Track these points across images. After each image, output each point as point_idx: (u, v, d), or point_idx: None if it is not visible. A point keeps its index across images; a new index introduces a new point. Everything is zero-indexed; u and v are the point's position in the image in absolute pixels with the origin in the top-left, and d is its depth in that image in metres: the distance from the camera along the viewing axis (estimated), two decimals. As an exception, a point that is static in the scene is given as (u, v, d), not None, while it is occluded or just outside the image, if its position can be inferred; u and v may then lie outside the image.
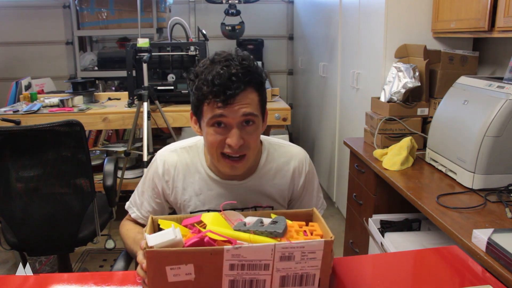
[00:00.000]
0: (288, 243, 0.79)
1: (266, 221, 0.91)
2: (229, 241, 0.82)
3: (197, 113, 1.06)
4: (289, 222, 0.92)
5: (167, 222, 0.94)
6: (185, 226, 0.94)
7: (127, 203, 1.27)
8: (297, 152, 1.23)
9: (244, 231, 0.85)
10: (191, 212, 1.19)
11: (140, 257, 0.89)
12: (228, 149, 1.03)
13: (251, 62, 1.02)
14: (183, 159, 1.18)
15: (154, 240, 0.80)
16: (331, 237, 0.83)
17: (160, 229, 0.95)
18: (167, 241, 0.80)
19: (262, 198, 1.18)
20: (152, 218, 0.96)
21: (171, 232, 0.80)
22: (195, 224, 0.92)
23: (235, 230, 0.87)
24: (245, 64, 1.00)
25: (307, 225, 0.94)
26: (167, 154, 1.20)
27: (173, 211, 1.27)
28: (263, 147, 1.20)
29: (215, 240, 0.82)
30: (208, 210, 1.17)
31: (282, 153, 1.21)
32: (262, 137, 1.21)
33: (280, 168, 1.19)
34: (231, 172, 1.07)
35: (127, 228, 1.23)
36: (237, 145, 1.01)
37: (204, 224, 0.90)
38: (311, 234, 0.90)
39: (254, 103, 1.02)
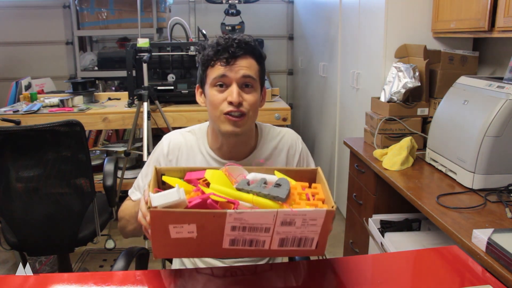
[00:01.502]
0: (290, 210, 0.80)
1: (270, 179, 0.91)
2: (231, 202, 0.83)
3: (203, 80, 1.16)
4: (292, 182, 0.92)
5: (171, 178, 0.95)
6: (188, 181, 0.95)
7: (130, 190, 1.29)
8: (289, 132, 1.30)
9: (247, 192, 0.86)
10: None
11: (144, 208, 0.89)
12: (229, 107, 1.10)
13: (252, 39, 1.13)
14: (188, 140, 1.25)
15: (158, 200, 0.81)
16: (332, 206, 0.84)
17: (163, 184, 0.96)
18: (171, 202, 0.81)
19: None
20: (156, 168, 0.96)
21: (175, 193, 0.81)
22: (199, 182, 0.93)
23: (237, 189, 0.87)
24: (246, 38, 1.12)
25: (310, 186, 0.95)
26: (173, 135, 1.27)
27: None
28: (258, 129, 1.27)
29: (217, 202, 0.83)
30: None
31: (276, 133, 1.28)
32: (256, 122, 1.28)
33: (275, 146, 1.26)
34: (233, 129, 1.12)
35: (125, 203, 1.25)
36: (237, 100, 1.08)
37: (207, 180, 0.90)
38: (313, 197, 0.90)
39: (253, 68, 1.12)
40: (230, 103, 1.09)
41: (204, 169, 0.95)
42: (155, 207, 0.80)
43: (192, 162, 1.22)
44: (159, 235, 0.82)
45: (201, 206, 0.82)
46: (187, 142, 1.24)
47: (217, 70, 1.10)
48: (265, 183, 0.89)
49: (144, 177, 1.27)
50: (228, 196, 0.85)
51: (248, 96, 1.11)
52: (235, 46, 1.08)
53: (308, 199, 0.90)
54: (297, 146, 1.28)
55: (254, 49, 1.12)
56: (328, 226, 0.84)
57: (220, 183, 0.89)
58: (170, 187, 0.90)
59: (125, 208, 1.22)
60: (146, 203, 0.85)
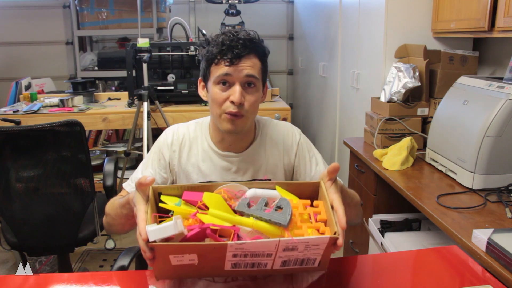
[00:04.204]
0: (292, 239, 0.79)
1: (270, 195, 0.90)
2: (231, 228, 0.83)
3: (206, 76, 1.17)
4: (294, 201, 0.91)
5: (168, 198, 0.92)
6: (186, 200, 0.92)
7: (125, 182, 1.26)
8: (287, 125, 1.32)
9: (248, 216, 0.85)
10: None
11: (142, 244, 0.86)
12: (230, 107, 1.11)
13: (257, 35, 1.15)
14: (191, 132, 1.26)
15: (155, 234, 0.80)
16: (335, 233, 0.82)
17: (161, 202, 0.92)
18: (168, 236, 0.80)
19: (260, 171, 1.25)
20: (152, 188, 0.92)
21: (171, 226, 0.80)
22: (196, 205, 0.90)
23: (237, 211, 0.87)
24: (251, 35, 1.14)
25: (312, 204, 0.93)
26: (176, 126, 1.28)
27: None
28: (257, 123, 1.28)
29: (216, 231, 0.82)
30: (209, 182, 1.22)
31: (274, 126, 1.30)
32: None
33: (272, 139, 1.28)
34: (231, 127, 1.14)
35: (113, 198, 1.19)
36: (239, 100, 1.10)
37: (205, 204, 0.89)
38: (315, 217, 0.89)
39: (256, 67, 1.14)
40: (232, 102, 1.11)
41: (202, 191, 0.92)
42: (154, 241, 0.80)
43: (194, 153, 1.24)
44: (159, 263, 0.82)
45: (200, 235, 0.81)
46: (190, 133, 1.26)
47: (220, 69, 1.11)
48: (266, 204, 0.88)
49: (144, 169, 1.25)
50: (228, 221, 0.84)
51: (250, 96, 1.13)
52: (240, 46, 1.09)
53: (310, 219, 0.88)
54: (294, 137, 1.28)
55: (258, 47, 1.13)
56: (330, 248, 0.83)
57: (219, 209, 0.87)
58: (167, 210, 0.89)
59: (111, 204, 1.17)
60: (140, 235, 0.82)
